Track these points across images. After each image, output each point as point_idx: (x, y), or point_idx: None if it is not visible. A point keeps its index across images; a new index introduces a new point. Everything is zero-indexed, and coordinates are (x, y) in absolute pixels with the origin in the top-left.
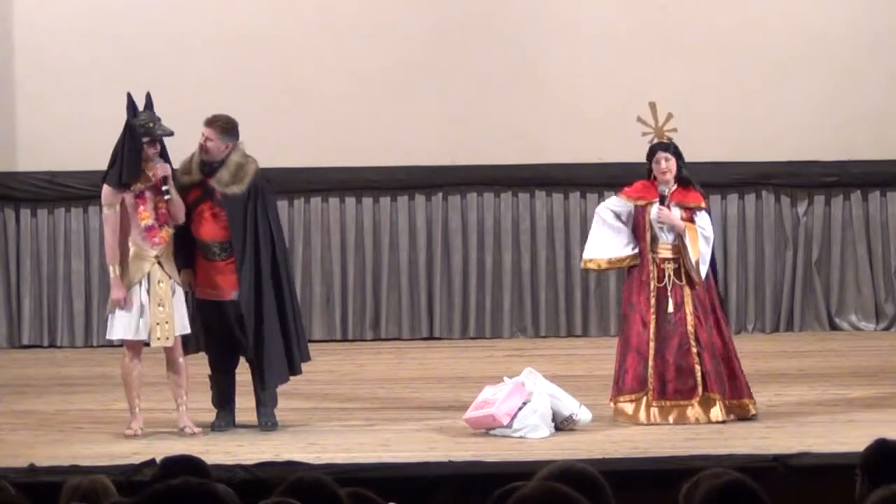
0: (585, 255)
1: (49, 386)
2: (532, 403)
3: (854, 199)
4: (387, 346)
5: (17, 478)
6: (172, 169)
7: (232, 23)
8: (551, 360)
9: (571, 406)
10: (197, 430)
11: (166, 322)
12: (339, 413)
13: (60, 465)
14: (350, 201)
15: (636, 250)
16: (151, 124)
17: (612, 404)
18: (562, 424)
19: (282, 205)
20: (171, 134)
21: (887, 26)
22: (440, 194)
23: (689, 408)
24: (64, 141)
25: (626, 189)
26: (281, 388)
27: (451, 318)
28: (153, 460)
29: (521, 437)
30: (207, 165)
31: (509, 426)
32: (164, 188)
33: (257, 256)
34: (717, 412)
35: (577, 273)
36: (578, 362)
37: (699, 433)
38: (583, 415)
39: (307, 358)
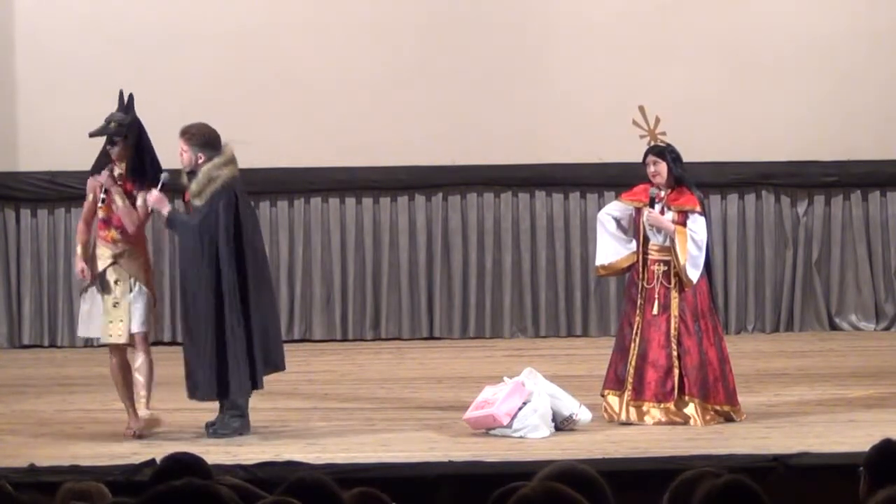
0: (598, 262)
1: (49, 386)
2: (532, 403)
3: (854, 199)
4: (387, 345)
5: (17, 478)
6: (144, 171)
7: (232, 23)
8: (551, 360)
9: (571, 406)
10: (143, 428)
11: (120, 320)
12: (339, 413)
13: (60, 465)
14: (350, 201)
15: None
16: (104, 123)
17: (601, 397)
18: (562, 424)
19: (282, 205)
20: (112, 137)
21: (887, 27)
22: (440, 194)
23: (666, 410)
24: (64, 141)
25: (625, 193)
26: (281, 388)
27: (451, 317)
28: (153, 460)
29: (521, 437)
30: (188, 174)
31: (509, 426)
32: (101, 196)
33: (213, 271)
34: (693, 416)
35: (577, 273)
36: (578, 362)
37: (699, 433)
38: (583, 415)
39: (256, 384)
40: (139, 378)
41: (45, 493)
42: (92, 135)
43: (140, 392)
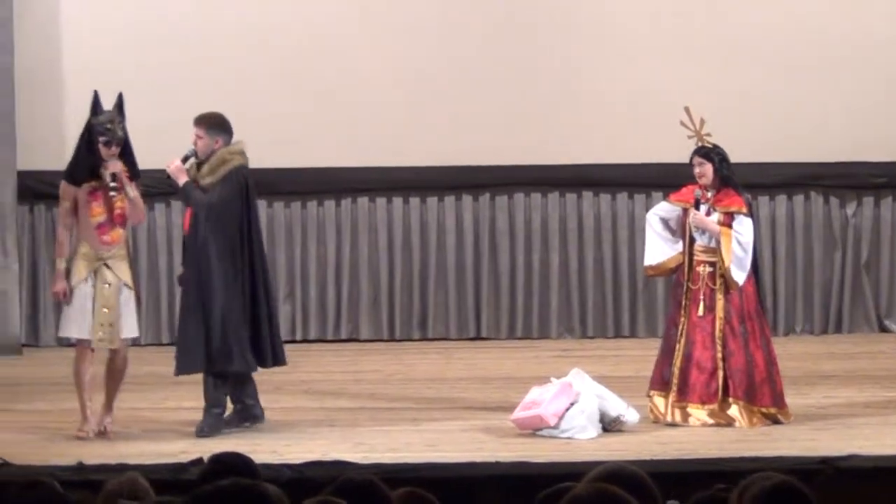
0: (646, 263)
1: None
2: (579, 404)
3: None
4: (434, 345)
5: (66, 476)
6: (137, 172)
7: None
8: (598, 361)
9: (619, 407)
10: (111, 430)
11: (110, 324)
12: (386, 413)
13: (108, 463)
14: (397, 201)
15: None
16: (109, 126)
17: (647, 397)
18: (609, 425)
19: (328, 205)
20: (121, 140)
21: None
22: (487, 194)
23: (711, 412)
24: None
25: (673, 193)
26: (328, 388)
27: (499, 318)
28: (200, 459)
29: (568, 438)
30: (200, 164)
31: (556, 427)
32: (111, 184)
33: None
34: (738, 418)
35: (625, 273)
36: (626, 363)
37: (747, 435)
38: (630, 416)
39: (231, 363)
40: (116, 383)
41: (92, 491)
42: (116, 138)
43: (113, 398)
